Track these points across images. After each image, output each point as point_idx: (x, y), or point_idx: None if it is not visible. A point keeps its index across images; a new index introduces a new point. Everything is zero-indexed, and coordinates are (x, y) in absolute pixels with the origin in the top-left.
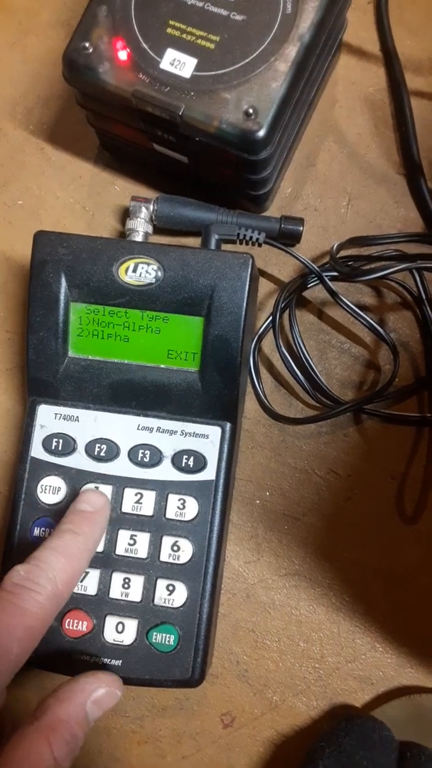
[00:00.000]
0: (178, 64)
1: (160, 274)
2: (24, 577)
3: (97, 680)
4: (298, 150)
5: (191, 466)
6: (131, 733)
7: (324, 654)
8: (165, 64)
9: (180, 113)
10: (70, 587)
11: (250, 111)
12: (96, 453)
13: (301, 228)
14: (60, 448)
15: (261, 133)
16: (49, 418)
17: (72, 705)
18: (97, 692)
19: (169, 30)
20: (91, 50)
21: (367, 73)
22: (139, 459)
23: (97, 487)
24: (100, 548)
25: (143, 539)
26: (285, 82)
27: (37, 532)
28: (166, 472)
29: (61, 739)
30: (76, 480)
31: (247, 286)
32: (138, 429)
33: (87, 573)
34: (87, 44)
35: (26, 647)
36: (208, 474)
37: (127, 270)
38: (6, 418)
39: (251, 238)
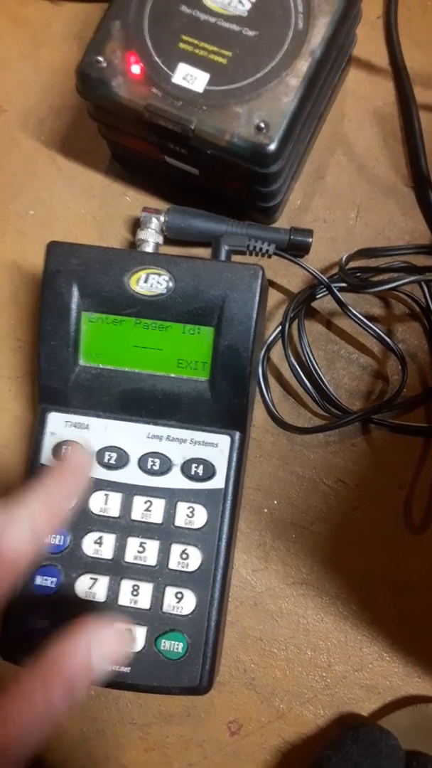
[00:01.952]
0: (191, 78)
1: (171, 284)
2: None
3: (104, 630)
4: (308, 162)
5: (200, 474)
6: (138, 740)
7: (331, 663)
8: (177, 79)
9: (192, 127)
10: (50, 526)
11: (262, 125)
12: (106, 461)
13: (310, 239)
14: None
15: (272, 147)
16: (59, 426)
17: (73, 646)
18: (105, 642)
19: (181, 45)
20: (104, 64)
21: (376, 87)
22: (149, 467)
23: (107, 495)
24: (109, 555)
25: (152, 547)
26: (296, 97)
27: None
28: (175, 480)
29: (59, 683)
30: (86, 487)
31: (257, 297)
32: (148, 437)
33: (96, 579)
34: (101, 58)
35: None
36: (217, 482)
37: (138, 280)
38: (16, 426)
39: (261, 249)
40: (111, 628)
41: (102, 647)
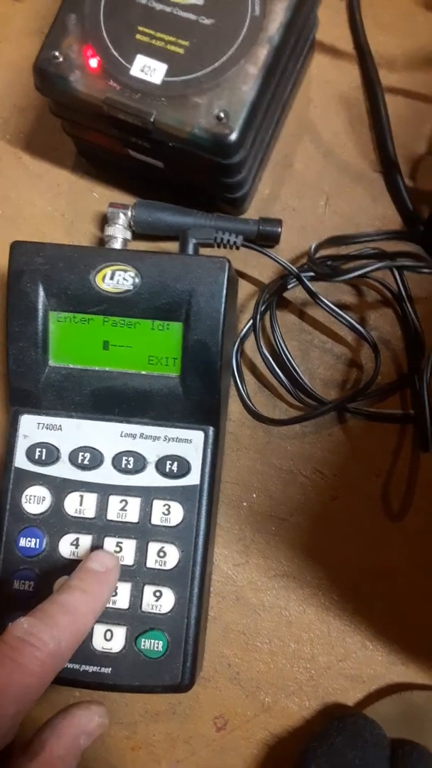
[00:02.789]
0: (149, 70)
1: (137, 280)
2: (27, 631)
3: (91, 713)
4: (275, 151)
5: (175, 471)
6: (125, 740)
7: (315, 654)
8: (135, 71)
9: (152, 119)
10: (72, 647)
11: (222, 115)
12: (80, 461)
13: (279, 229)
14: (44, 458)
15: (233, 136)
16: (32, 428)
17: (69, 739)
18: (91, 724)
19: (138, 36)
20: (61, 59)
21: (341, 71)
22: (123, 466)
23: (82, 496)
24: None
25: (129, 546)
26: (255, 85)
27: (23, 542)
28: (150, 478)
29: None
30: (61, 489)
31: (224, 290)
32: (121, 436)
33: None
34: (57, 53)
35: (23, 706)
36: (193, 479)
37: (104, 277)
38: None
39: (228, 241)
40: (96, 720)
41: (88, 738)
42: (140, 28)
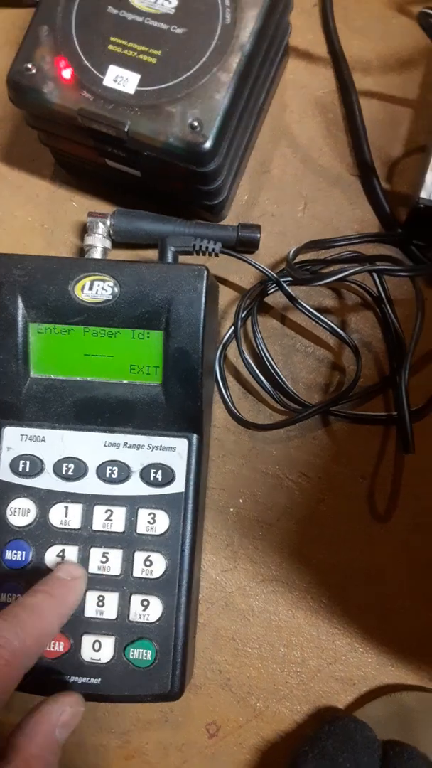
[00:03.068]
0: (121, 80)
1: (116, 290)
2: None
3: (60, 704)
4: (252, 157)
5: (160, 479)
6: (118, 749)
7: (305, 658)
8: (108, 81)
9: (126, 129)
10: (39, 645)
11: (195, 124)
12: (64, 472)
13: (258, 235)
14: (28, 470)
15: (207, 145)
16: (15, 440)
17: (41, 737)
18: (63, 716)
19: (110, 47)
20: (34, 71)
21: (316, 75)
22: (108, 476)
23: (66, 507)
24: None
25: (115, 556)
26: (228, 93)
27: (8, 555)
28: (135, 487)
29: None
30: (46, 500)
31: (203, 298)
32: (105, 446)
33: None
34: (30, 65)
35: None
36: (177, 486)
37: (83, 288)
38: None
39: (207, 248)
40: (69, 709)
41: (66, 730)
42: (112, 39)
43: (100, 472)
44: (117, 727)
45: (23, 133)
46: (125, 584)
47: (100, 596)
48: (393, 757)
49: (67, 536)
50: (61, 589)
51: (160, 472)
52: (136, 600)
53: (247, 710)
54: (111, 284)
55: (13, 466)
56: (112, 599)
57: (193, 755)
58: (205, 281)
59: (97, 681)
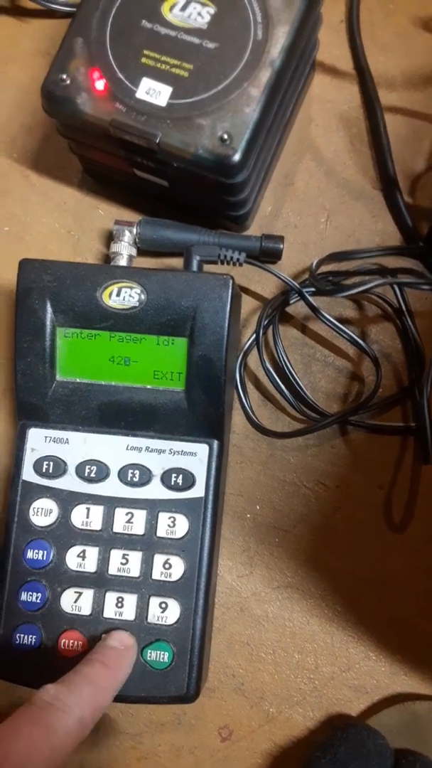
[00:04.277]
0: (154, 92)
1: (143, 297)
2: (54, 696)
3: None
4: (277, 169)
5: (180, 484)
6: (130, 750)
7: (318, 664)
8: (141, 93)
9: (157, 141)
10: (93, 719)
11: (225, 137)
12: (86, 474)
13: (282, 246)
14: (51, 471)
15: (236, 157)
16: (39, 441)
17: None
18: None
19: (144, 60)
20: (68, 82)
21: (342, 91)
22: (129, 479)
23: (88, 508)
24: (93, 568)
25: (135, 558)
26: (258, 107)
27: (30, 554)
28: (155, 490)
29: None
30: (68, 502)
31: (228, 307)
32: (127, 449)
33: (81, 593)
34: (64, 76)
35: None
36: (197, 491)
37: (110, 294)
38: None
39: (231, 258)
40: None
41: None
42: (146, 52)
43: (122, 475)
44: (130, 728)
45: (52, 141)
46: (144, 586)
47: (119, 597)
48: (405, 766)
49: (88, 537)
50: (116, 659)
51: (180, 476)
52: (154, 602)
53: (260, 715)
54: (138, 291)
55: (37, 467)
56: (131, 601)
57: (205, 758)
58: (230, 290)
59: None
